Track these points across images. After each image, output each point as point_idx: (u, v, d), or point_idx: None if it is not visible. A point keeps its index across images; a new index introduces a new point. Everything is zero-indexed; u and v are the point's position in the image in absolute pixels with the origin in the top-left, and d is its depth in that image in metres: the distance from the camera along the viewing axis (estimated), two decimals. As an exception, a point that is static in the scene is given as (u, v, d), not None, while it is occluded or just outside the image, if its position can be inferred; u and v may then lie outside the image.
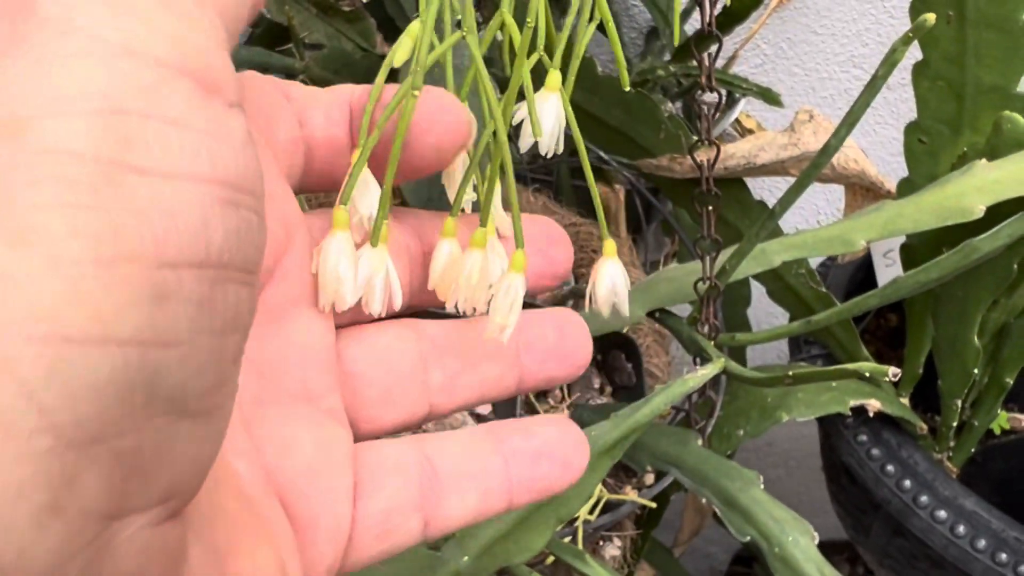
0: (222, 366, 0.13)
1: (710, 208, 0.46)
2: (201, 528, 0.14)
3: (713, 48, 0.39)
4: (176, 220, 0.12)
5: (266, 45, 0.63)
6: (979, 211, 0.41)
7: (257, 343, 0.19)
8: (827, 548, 0.43)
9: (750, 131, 0.90)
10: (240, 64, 0.59)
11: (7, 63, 0.11)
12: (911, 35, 0.35)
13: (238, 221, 0.13)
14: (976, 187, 0.42)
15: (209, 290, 0.12)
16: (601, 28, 0.23)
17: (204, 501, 0.14)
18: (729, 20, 0.78)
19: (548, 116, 0.22)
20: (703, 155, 0.45)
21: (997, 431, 0.58)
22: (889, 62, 0.35)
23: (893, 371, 0.33)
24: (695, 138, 0.46)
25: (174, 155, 0.12)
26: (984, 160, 0.43)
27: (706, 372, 0.41)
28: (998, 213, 0.43)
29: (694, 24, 0.87)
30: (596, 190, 0.23)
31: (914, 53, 0.52)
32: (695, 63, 0.87)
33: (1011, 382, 0.53)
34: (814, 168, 0.41)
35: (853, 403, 0.51)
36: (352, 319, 0.22)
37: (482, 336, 0.21)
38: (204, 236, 0.12)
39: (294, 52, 0.60)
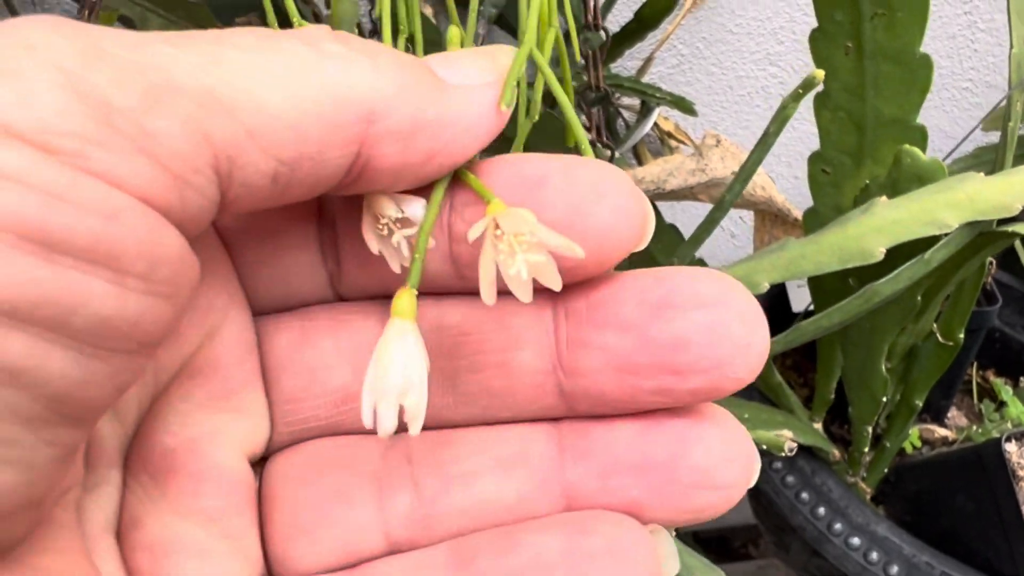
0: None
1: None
2: None
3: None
4: None
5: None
6: (879, 254, 0.41)
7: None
8: None
9: (668, 133, 0.89)
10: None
11: None
12: (800, 91, 0.34)
13: (51, 275, 0.12)
14: (876, 228, 0.42)
15: None
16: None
17: None
18: (642, 27, 0.77)
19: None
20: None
21: (909, 450, 0.58)
22: (780, 119, 0.34)
23: (789, 446, 0.32)
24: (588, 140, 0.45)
25: None
26: (884, 198, 0.43)
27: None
28: (899, 250, 0.42)
29: (611, 27, 0.85)
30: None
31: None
32: (611, 69, 0.86)
33: (920, 404, 0.53)
34: (715, 217, 0.40)
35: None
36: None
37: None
38: None
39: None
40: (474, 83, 0.17)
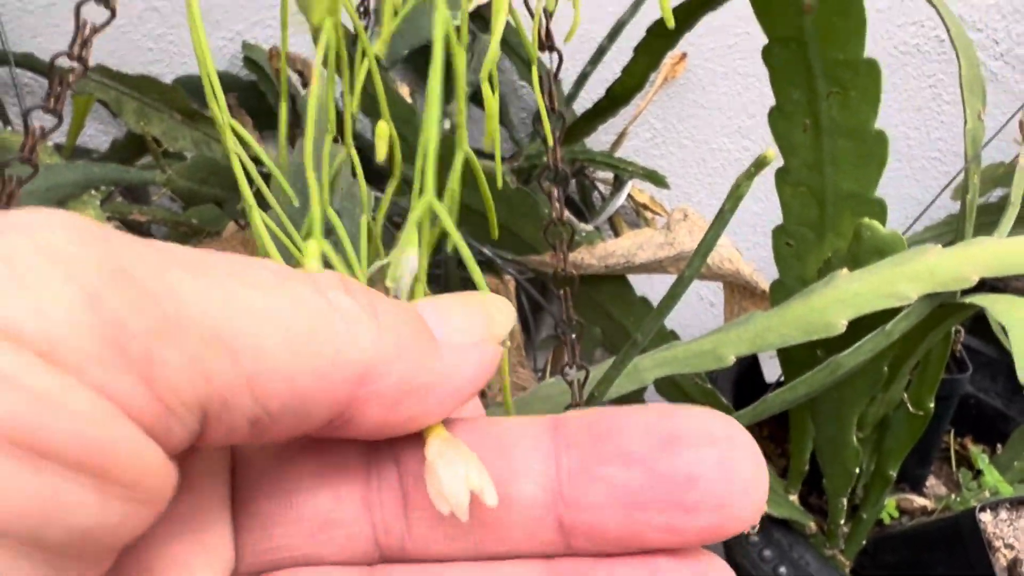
0: None
1: (567, 290, 0.46)
2: None
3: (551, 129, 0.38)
4: None
5: (127, 157, 0.61)
6: (841, 326, 0.41)
7: None
8: None
9: (643, 205, 0.91)
10: (93, 182, 0.56)
11: None
12: (753, 170, 0.34)
13: (36, 486, 0.12)
14: (839, 299, 0.42)
15: None
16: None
17: None
18: (613, 103, 0.78)
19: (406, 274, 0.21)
20: (555, 237, 0.45)
21: (887, 520, 0.58)
22: (734, 196, 0.35)
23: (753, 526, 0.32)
24: (550, 218, 0.46)
25: None
26: (845, 270, 0.43)
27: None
28: (862, 322, 0.43)
29: (583, 104, 0.87)
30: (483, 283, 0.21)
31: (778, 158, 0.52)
32: (585, 144, 0.88)
33: (894, 474, 0.53)
34: (676, 292, 0.40)
35: (740, 509, 0.50)
36: None
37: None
38: None
39: (157, 164, 0.58)
40: (465, 342, 0.17)
